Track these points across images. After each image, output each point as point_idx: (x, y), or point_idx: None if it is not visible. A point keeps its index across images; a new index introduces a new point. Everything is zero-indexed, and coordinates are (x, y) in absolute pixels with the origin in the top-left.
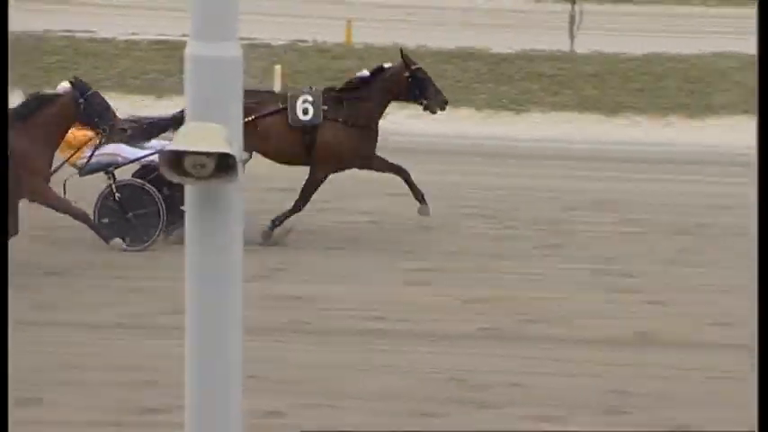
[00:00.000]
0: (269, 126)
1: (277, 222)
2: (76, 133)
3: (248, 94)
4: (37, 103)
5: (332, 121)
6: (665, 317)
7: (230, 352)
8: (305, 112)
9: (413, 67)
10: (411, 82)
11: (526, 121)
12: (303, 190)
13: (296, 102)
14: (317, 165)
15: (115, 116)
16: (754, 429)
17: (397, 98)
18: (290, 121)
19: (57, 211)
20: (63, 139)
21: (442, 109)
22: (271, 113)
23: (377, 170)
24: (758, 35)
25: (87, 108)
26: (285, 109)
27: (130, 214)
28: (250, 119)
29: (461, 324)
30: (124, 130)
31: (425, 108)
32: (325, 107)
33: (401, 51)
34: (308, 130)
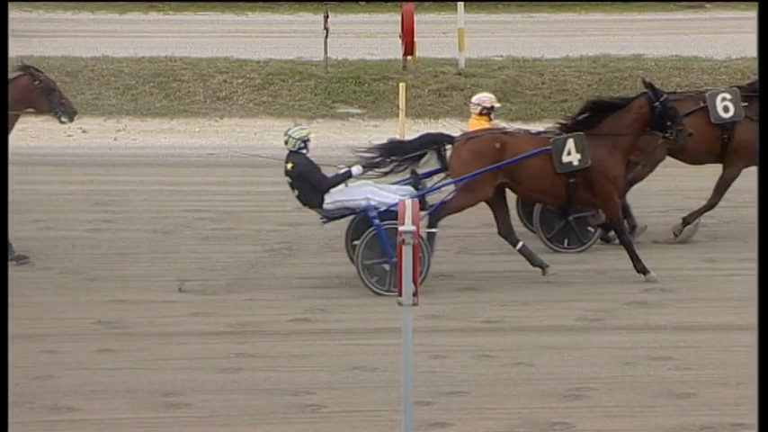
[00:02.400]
0: (690, 125)
1: (690, 220)
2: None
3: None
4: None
5: (748, 118)
6: None
7: None
8: (725, 109)
9: None
10: None
11: None
12: (718, 186)
13: (715, 100)
14: (735, 161)
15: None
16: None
17: None
18: (711, 119)
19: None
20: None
21: None
22: (691, 113)
23: None
24: (758, 35)
25: (660, 112)
26: (705, 107)
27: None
28: None
29: None
30: (690, 134)
31: None
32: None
33: None
34: (728, 127)
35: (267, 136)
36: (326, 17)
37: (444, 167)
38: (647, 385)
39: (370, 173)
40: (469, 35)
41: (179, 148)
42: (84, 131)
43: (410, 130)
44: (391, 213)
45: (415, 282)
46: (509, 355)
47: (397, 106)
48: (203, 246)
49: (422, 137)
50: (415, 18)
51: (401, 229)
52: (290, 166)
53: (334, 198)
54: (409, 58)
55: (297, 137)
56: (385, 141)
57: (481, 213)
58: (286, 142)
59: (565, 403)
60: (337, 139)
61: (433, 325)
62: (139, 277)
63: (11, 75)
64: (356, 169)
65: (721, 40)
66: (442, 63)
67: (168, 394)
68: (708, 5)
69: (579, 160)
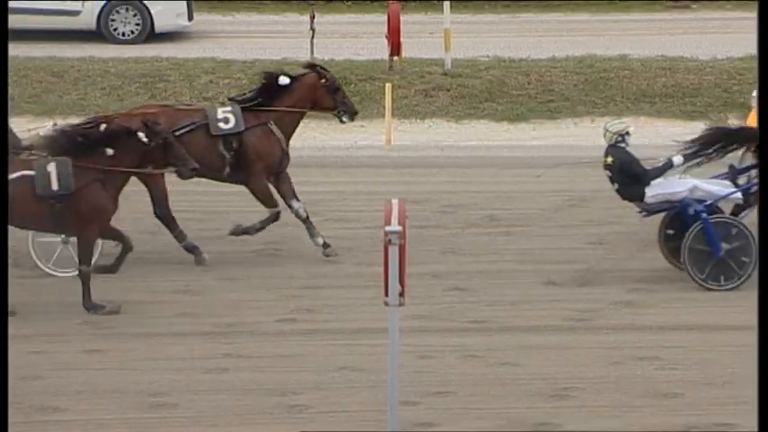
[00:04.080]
0: None
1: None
2: None
3: None
4: None
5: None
6: None
7: None
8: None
9: None
10: None
11: None
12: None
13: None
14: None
15: None
16: None
17: None
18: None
19: None
20: None
21: None
22: None
23: None
24: (758, 35)
25: None
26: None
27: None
28: None
29: None
30: None
31: None
32: None
33: None
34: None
35: None
36: (313, 17)
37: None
38: (633, 385)
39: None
40: (456, 35)
41: None
42: None
43: (396, 130)
44: (714, 207)
45: (401, 282)
46: (496, 356)
47: (384, 107)
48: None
49: (740, 129)
50: (401, 18)
51: (387, 229)
52: (609, 159)
53: (655, 191)
54: (395, 58)
55: (614, 131)
56: (706, 129)
57: (468, 213)
58: (604, 136)
59: (551, 403)
60: (323, 139)
61: (419, 325)
62: (126, 278)
63: (299, 72)
64: (677, 159)
65: (707, 40)
66: (429, 63)
67: (155, 394)
68: (693, 6)
69: None
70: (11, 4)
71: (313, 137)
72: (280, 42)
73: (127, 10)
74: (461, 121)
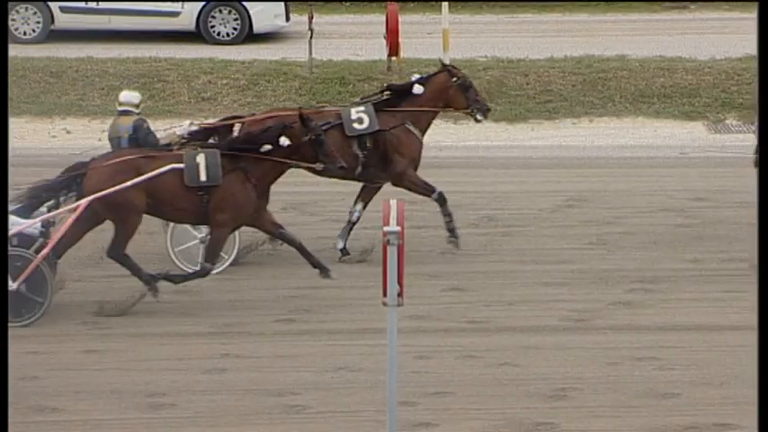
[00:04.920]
0: None
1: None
2: None
3: None
4: None
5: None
6: None
7: None
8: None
9: None
10: None
11: None
12: None
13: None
14: None
15: None
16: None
17: None
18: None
19: None
20: None
21: None
22: None
23: None
24: (758, 35)
25: None
26: None
27: None
28: None
29: None
30: None
31: None
32: None
33: None
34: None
35: None
36: (311, 18)
37: None
38: (631, 385)
39: None
40: (454, 36)
41: None
42: (68, 132)
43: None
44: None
45: (400, 282)
46: (494, 356)
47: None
48: (187, 247)
49: None
50: (399, 19)
51: (385, 229)
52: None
53: None
54: (394, 58)
55: None
56: None
57: (466, 213)
58: None
59: (549, 403)
60: None
61: (417, 325)
62: (124, 278)
63: (430, 72)
64: None
65: (705, 40)
66: (427, 64)
67: (153, 395)
68: (692, 6)
69: None
70: (111, 5)
71: None
72: (278, 42)
73: (227, 11)
74: (460, 121)
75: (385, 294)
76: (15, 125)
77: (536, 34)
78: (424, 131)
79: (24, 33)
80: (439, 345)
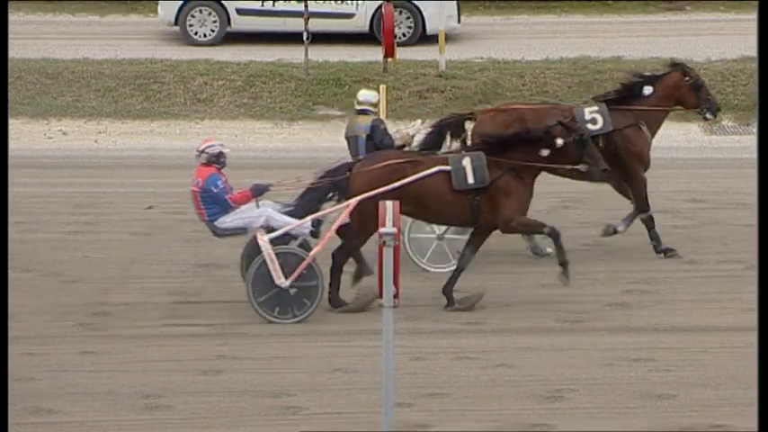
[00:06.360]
0: None
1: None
2: None
3: None
4: None
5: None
6: None
7: None
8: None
9: None
10: None
11: None
12: None
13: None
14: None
15: None
16: None
17: None
18: None
19: None
20: None
21: None
22: None
23: None
24: (758, 35)
25: None
26: None
27: None
28: None
29: None
30: None
31: None
32: None
33: None
34: None
35: (248, 138)
36: (307, 19)
37: None
38: (627, 386)
39: None
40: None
41: (159, 150)
42: (64, 133)
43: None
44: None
45: (395, 284)
46: (490, 357)
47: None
48: (184, 248)
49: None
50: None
51: (381, 230)
52: None
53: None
54: (390, 60)
55: None
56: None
57: None
58: None
59: (546, 405)
60: (317, 141)
61: (413, 327)
62: (120, 279)
63: (661, 71)
64: None
65: (701, 42)
66: (423, 65)
67: (149, 396)
68: (687, 7)
69: None
70: (287, 7)
71: (307, 138)
72: (274, 44)
73: (401, 12)
74: None
75: (381, 296)
76: (11, 126)
77: (532, 36)
78: (654, 132)
79: (204, 36)
80: (435, 346)
